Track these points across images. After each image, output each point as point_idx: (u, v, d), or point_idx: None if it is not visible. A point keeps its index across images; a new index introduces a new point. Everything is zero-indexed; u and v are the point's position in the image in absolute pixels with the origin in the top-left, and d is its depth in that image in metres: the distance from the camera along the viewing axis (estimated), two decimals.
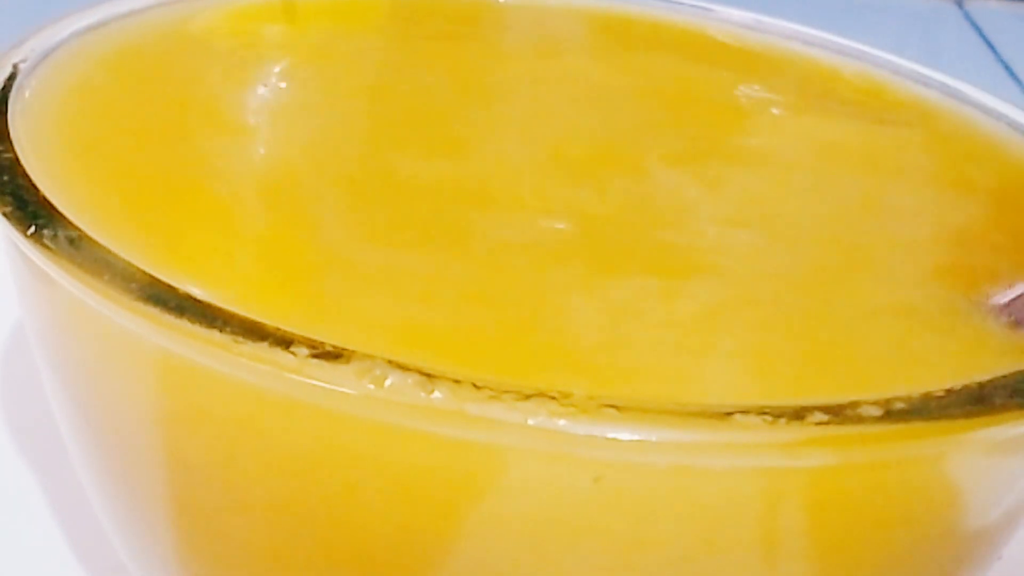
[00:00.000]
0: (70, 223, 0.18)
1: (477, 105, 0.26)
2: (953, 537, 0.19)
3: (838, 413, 0.16)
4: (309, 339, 0.16)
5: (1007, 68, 0.60)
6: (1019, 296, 0.19)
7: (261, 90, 0.26)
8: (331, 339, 0.16)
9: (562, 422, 0.15)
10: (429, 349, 0.17)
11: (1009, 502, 0.19)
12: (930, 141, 0.26)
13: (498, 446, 0.16)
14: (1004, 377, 0.17)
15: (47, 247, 0.17)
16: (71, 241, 0.17)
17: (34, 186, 0.19)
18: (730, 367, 0.18)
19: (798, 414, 0.16)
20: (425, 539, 0.17)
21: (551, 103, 0.27)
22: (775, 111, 0.27)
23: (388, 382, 0.15)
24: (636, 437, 0.16)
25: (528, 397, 0.15)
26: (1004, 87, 0.58)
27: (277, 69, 0.27)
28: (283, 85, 0.26)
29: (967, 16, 0.67)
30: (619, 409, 0.16)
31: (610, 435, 0.16)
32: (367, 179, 0.22)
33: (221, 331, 0.16)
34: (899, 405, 0.16)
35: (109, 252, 0.17)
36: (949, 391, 0.17)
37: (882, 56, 0.29)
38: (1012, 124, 0.25)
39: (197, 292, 0.17)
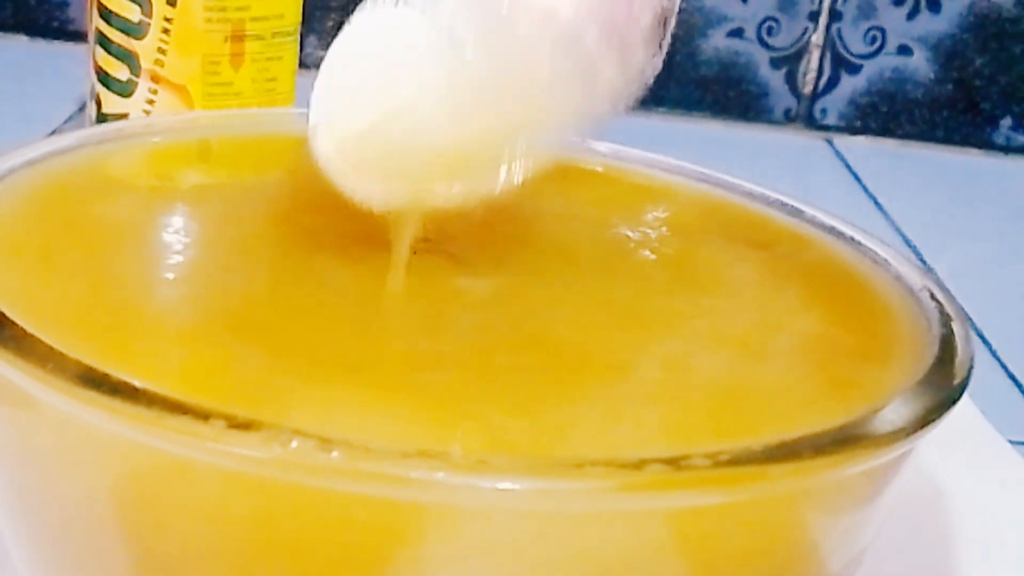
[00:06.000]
0: (17, 325, 0.21)
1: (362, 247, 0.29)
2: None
3: (672, 462, 0.19)
4: (224, 412, 0.19)
5: (872, 198, 0.65)
6: None
7: (173, 220, 0.29)
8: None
9: (440, 475, 0.18)
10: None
11: (836, 539, 0.22)
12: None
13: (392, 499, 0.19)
14: (805, 436, 0.20)
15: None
16: (18, 339, 0.20)
17: None
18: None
19: (638, 465, 0.19)
20: None
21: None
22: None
23: (293, 445, 0.18)
24: (507, 486, 0.19)
25: (410, 455, 0.18)
26: (868, 214, 0.62)
27: (190, 204, 0.30)
28: (193, 219, 0.29)
29: (836, 152, 0.71)
30: (489, 463, 0.19)
31: (483, 485, 0.19)
32: (256, 289, 0.25)
33: (148, 408, 0.19)
34: (723, 456, 0.19)
35: (51, 347, 0.20)
36: (767, 446, 0.20)
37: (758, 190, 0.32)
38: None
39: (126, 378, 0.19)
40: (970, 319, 0.52)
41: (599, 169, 0.34)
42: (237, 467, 0.19)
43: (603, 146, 0.34)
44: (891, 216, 0.62)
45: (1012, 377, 0.48)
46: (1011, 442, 0.41)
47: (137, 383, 0.19)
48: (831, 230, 0.30)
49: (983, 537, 0.37)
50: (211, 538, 0.20)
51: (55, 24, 0.71)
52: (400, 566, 0.20)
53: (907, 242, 0.59)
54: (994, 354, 0.49)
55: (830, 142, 0.73)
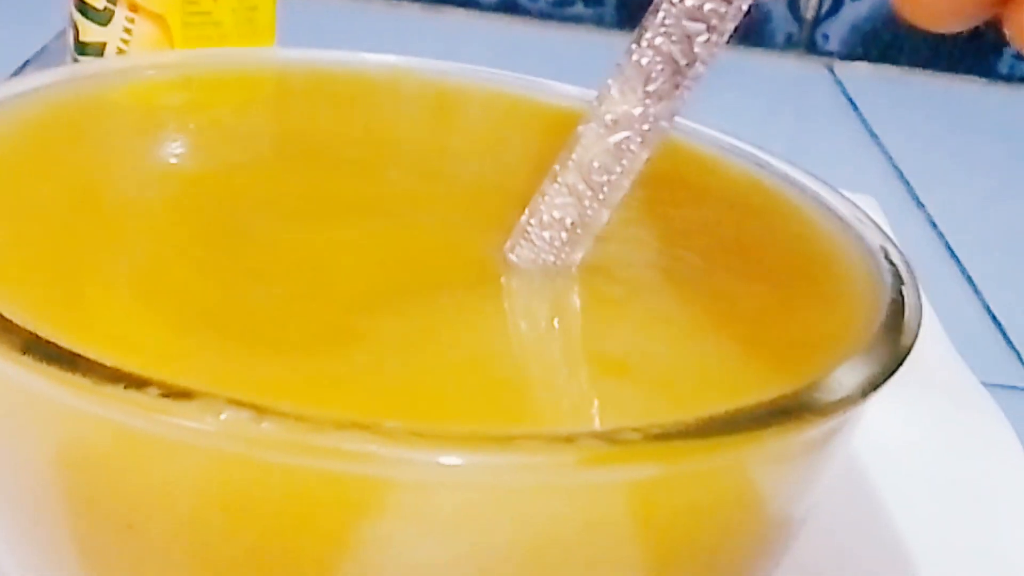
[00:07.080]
0: None
1: (335, 178, 0.29)
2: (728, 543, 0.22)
3: (603, 437, 0.19)
4: (160, 381, 0.19)
5: (868, 128, 0.65)
6: None
7: (154, 157, 0.29)
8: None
9: (373, 447, 0.19)
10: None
11: (774, 508, 0.22)
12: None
13: (321, 469, 0.19)
14: (740, 410, 0.20)
15: None
16: None
17: None
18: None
19: (568, 439, 0.19)
20: (268, 558, 0.20)
21: (403, 174, 0.30)
22: None
23: (224, 416, 0.19)
24: (437, 460, 0.19)
25: (343, 426, 0.19)
26: (864, 145, 0.62)
27: (171, 137, 0.30)
28: (173, 153, 0.29)
29: (836, 79, 0.71)
30: (423, 435, 0.19)
31: (416, 457, 0.19)
32: (232, 241, 0.25)
33: (85, 375, 0.19)
34: (655, 430, 0.19)
35: None
36: (698, 419, 0.20)
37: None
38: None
39: (71, 346, 0.20)
40: (956, 257, 0.52)
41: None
42: (175, 436, 0.19)
43: (573, 89, 0.34)
44: (887, 148, 0.62)
45: (994, 317, 0.48)
46: (990, 385, 0.41)
47: (75, 350, 0.19)
48: (793, 182, 0.29)
49: (956, 480, 0.37)
50: (157, 508, 0.20)
51: None
52: (343, 538, 0.20)
53: (900, 175, 0.59)
54: (977, 293, 0.49)
55: (831, 69, 0.72)
